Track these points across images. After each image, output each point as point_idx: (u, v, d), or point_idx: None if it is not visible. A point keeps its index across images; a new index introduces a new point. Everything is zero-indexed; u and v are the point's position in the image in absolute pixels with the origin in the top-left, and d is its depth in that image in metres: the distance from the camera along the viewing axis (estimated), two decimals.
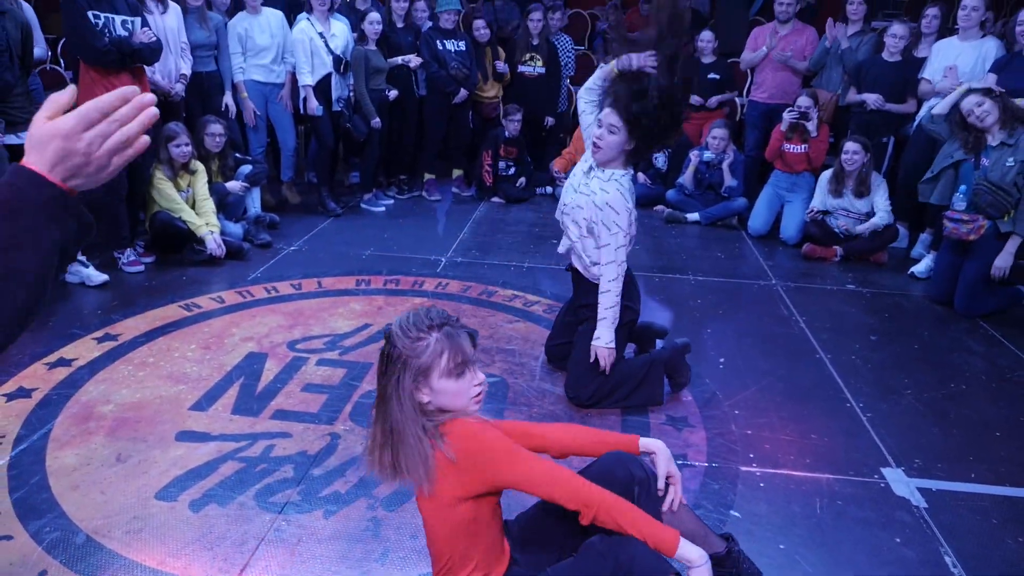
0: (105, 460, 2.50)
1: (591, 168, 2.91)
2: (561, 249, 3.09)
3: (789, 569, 2.11)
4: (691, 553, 1.50)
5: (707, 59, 6.32)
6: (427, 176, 6.25)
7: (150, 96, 0.90)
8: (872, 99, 5.13)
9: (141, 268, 4.22)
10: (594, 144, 2.79)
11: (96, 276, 4.01)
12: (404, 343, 1.51)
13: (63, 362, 3.16)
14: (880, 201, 4.83)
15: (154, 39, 4.01)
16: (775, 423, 2.89)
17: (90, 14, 3.75)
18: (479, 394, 1.57)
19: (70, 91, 0.89)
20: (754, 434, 2.81)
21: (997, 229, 3.98)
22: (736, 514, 2.34)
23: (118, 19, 3.87)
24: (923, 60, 4.99)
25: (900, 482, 2.55)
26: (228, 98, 5.27)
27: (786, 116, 5.29)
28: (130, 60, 3.89)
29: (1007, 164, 3.90)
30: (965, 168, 4.18)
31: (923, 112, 4.93)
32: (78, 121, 0.87)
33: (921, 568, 2.15)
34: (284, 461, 2.53)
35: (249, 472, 2.46)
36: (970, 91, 4.08)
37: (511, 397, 3.01)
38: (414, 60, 5.70)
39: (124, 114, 0.89)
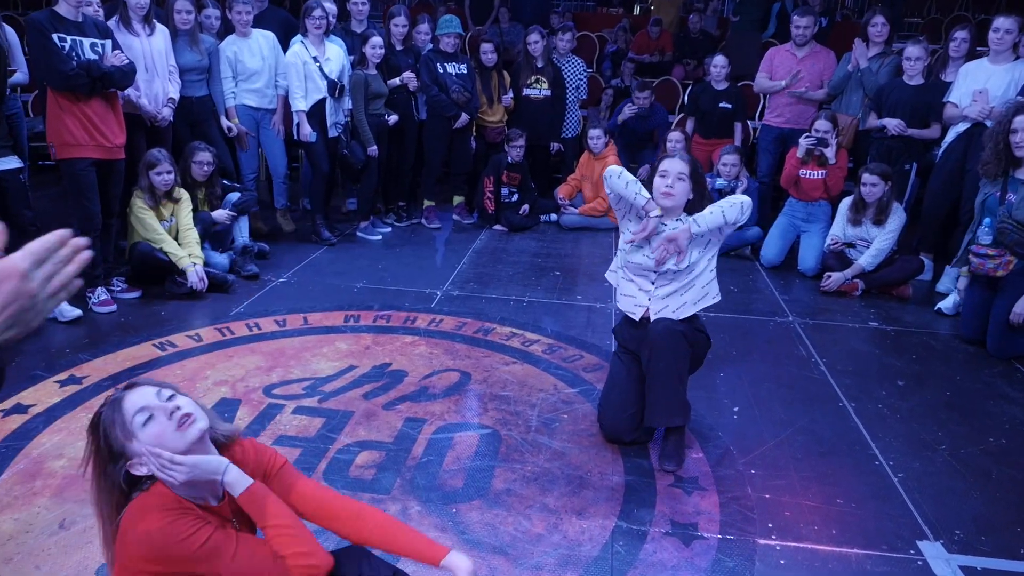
0: (47, 527, 2.24)
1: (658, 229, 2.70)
2: (638, 314, 2.77)
3: None
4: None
5: (719, 85, 6.06)
6: (427, 203, 6.02)
7: (84, 240, 0.87)
8: (893, 124, 4.86)
9: (113, 308, 3.94)
10: (665, 194, 2.64)
11: (69, 311, 3.78)
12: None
13: (19, 409, 2.91)
14: (889, 226, 4.55)
15: (126, 62, 3.79)
16: (796, 485, 2.60)
17: (55, 37, 3.53)
18: (181, 420, 1.40)
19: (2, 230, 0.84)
20: (773, 498, 2.52)
21: None
22: None
23: (86, 42, 3.65)
24: (949, 84, 4.73)
25: (940, 559, 2.25)
26: (226, 122, 5.08)
27: (803, 142, 5.01)
28: (100, 84, 3.67)
29: None
30: (991, 200, 3.92)
31: (949, 137, 4.67)
32: (32, 260, 0.81)
33: None
34: None
35: None
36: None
37: (503, 452, 2.73)
38: (411, 79, 5.47)
39: (65, 255, 0.84)
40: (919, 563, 2.23)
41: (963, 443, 2.93)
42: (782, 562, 2.21)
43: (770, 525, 2.38)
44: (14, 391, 3.04)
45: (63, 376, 3.20)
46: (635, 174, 6.36)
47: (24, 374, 3.19)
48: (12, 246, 3.09)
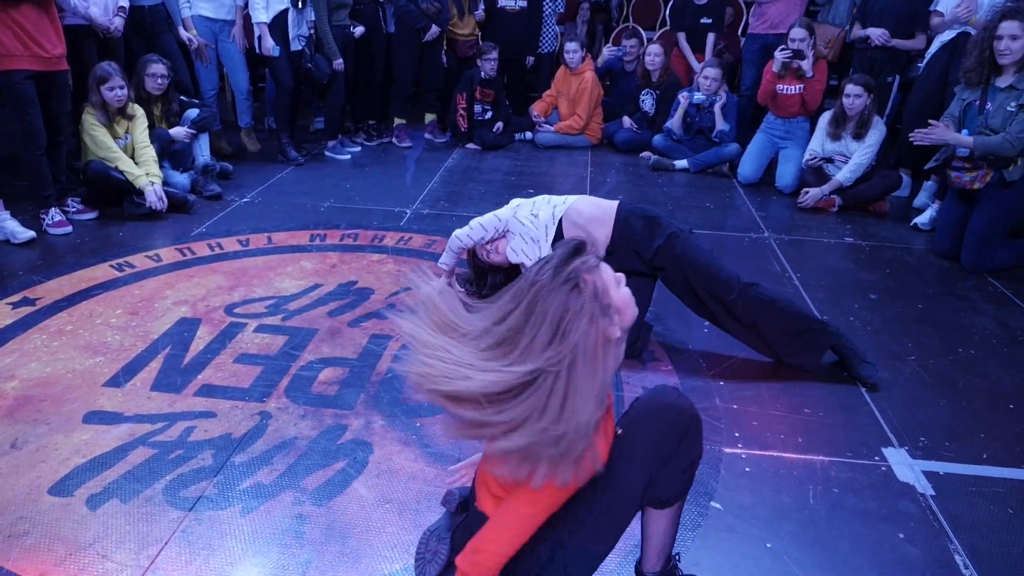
0: None
1: None
2: None
3: (777, 573, 1.82)
4: None
5: (700, 1, 5.83)
6: (397, 121, 5.83)
7: None
8: (877, 34, 4.71)
9: (68, 230, 3.79)
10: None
11: (21, 233, 3.63)
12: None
13: None
14: (868, 140, 4.45)
15: None
16: (764, 396, 2.58)
17: None
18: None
19: None
20: (740, 408, 2.50)
21: (1003, 178, 3.64)
22: (717, 505, 2.05)
23: None
24: None
25: (904, 465, 2.25)
26: (185, 33, 4.82)
27: (778, 55, 4.86)
28: None
29: (1008, 109, 3.54)
30: (970, 113, 3.82)
31: (934, 47, 4.53)
32: None
33: (928, 569, 1.86)
34: (203, 446, 2.21)
35: (161, 460, 2.15)
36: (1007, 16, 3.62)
37: None
38: None
39: None
40: (883, 469, 2.24)
41: (932, 354, 2.93)
42: (747, 469, 2.21)
43: (736, 434, 2.36)
44: None
45: (16, 298, 3.09)
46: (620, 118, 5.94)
47: None
48: None
